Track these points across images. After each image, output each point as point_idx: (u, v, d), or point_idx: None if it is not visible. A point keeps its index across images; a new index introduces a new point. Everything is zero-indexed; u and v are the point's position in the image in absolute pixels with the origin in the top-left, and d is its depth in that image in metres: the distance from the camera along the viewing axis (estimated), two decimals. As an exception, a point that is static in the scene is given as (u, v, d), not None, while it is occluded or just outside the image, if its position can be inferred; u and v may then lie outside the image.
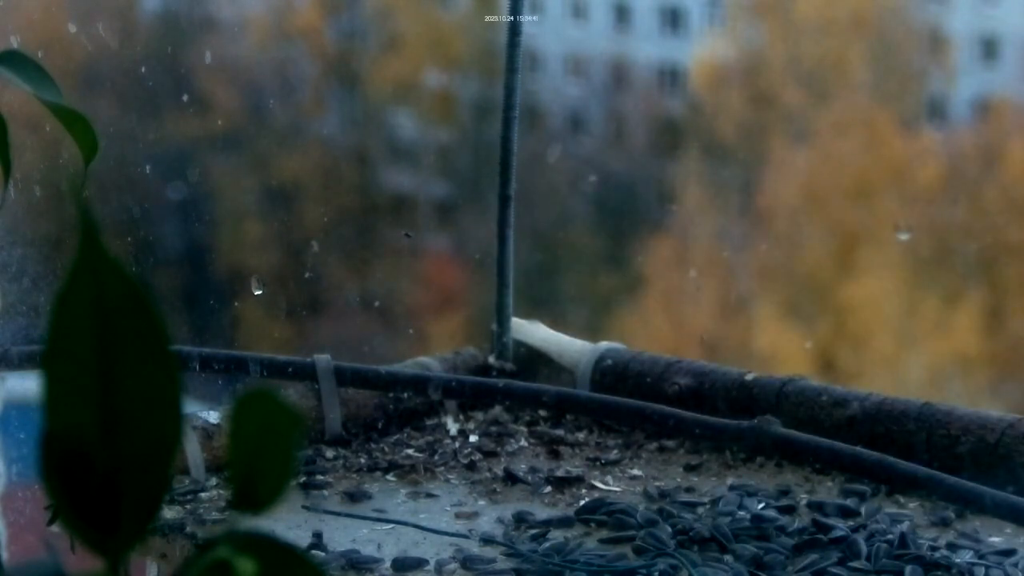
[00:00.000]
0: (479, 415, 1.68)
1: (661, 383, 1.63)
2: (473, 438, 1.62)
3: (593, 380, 1.68)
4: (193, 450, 1.49)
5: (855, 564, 1.31)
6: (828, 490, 1.48)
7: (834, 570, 1.30)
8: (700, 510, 1.42)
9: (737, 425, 1.44)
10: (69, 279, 0.51)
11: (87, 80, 2.13)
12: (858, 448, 1.39)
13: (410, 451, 1.59)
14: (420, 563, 1.32)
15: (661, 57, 4.74)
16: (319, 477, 1.51)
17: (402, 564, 1.31)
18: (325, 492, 1.48)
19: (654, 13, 4.69)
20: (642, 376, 1.66)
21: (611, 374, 1.68)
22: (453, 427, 1.65)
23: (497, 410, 1.68)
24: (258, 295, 1.60)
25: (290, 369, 1.60)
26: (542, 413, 1.67)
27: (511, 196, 1.74)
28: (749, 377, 1.60)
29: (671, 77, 4.85)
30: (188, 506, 1.43)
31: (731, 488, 1.48)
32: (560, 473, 1.52)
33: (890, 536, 1.34)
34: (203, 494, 1.46)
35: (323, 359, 1.59)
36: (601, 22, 4.75)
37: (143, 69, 2.29)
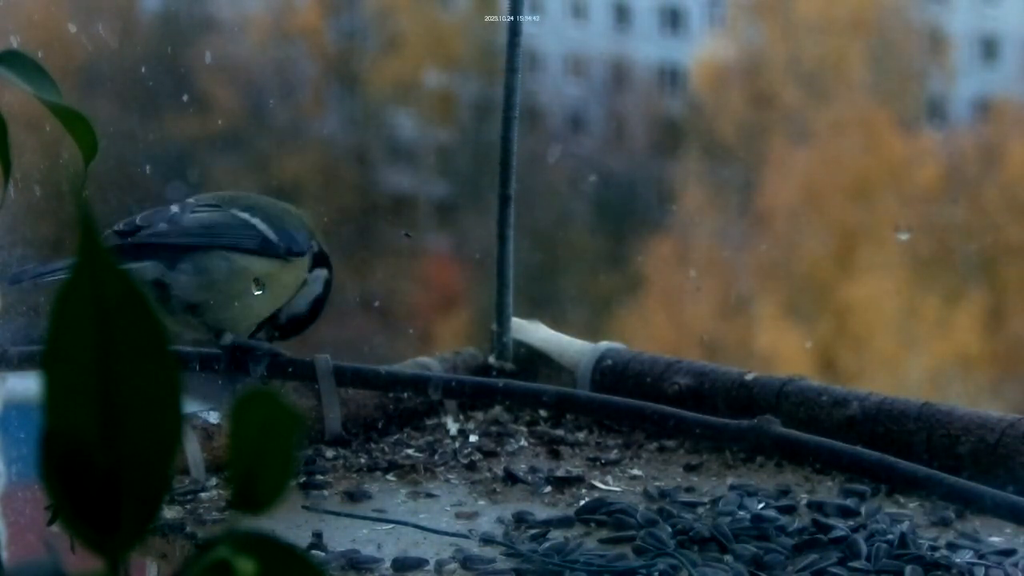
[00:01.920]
0: (479, 415, 1.68)
1: (661, 383, 1.63)
2: (473, 438, 1.62)
3: (593, 380, 1.68)
4: (193, 450, 1.49)
5: (855, 564, 1.31)
6: (828, 490, 1.49)
7: (834, 570, 1.30)
8: (700, 510, 1.43)
9: (737, 425, 1.44)
10: (69, 279, 0.51)
11: (87, 80, 2.12)
12: (858, 448, 1.39)
13: (410, 451, 1.59)
14: (420, 563, 1.32)
15: (661, 57, 4.74)
16: (319, 477, 1.51)
17: (402, 564, 1.31)
18: (325, 492, 1.48)
19: (654, 13, 4.69)
20: (642, 376, 1.66)
21: (611, 374, 1.68)
22: (453, 427, 1.65)
23: (497, 410, 1.68)
24: (258, 295, 1.59)
25: (290, 369, 1.60)
26: (542, 413, 1.67)
27: (511, 196, 1.74)
28: (749, 377, 1.60)
29: (671, 77, 4.84)
30: (188, 506, 1.43)
31: (731, 488, 1.48)
32: (560, 473, 1.52)
33: (890, 536, 1.34)
34: (203, 494, 1.46)
35: (323, 359, 1.59)
36: (601, 22, 4.75)
37: (143, 69, 2.29)
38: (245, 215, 1.57)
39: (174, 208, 1.56)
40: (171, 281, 1.51)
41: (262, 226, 1.57)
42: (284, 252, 1.58)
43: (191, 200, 1.58)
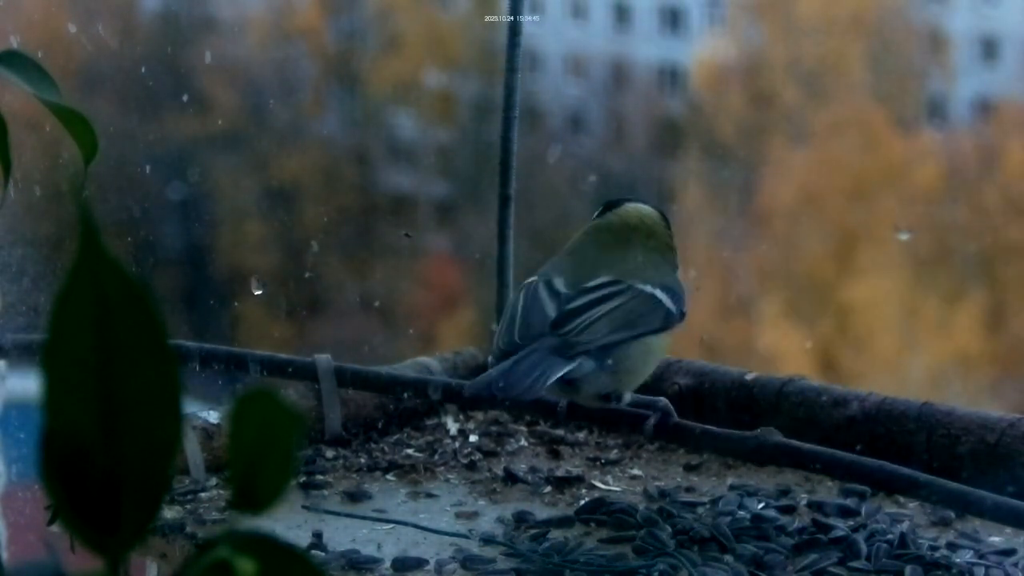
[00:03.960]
0: (479, 415, 1.68)
1: (661, 383, 1.63)
2: (473, 438, 1.62)
3: (593, 380, 1.68)
4: (193, 450, 1.49)
5: (855, 564, 1.31)
6: (828, 490, 1.49)
7: (834, 570, 1.30)
8: (700, 510, 1.43)
9: (741, 435, 1.42)
10: (69, 279, 0.51)
11: (87, 80, 2.13)
12: (861, 457, 1.39)
13: (410, 451, 1.59)
14: (420, 563, 1.32)
15: (661, 57, 4.74)
16: (319, 477, 1.51)
17: (402, 564, 1.31)
18: (325, 492, 1.48)
19: (654, 13, 4.69)
20: (642, 376, 1.65)
21: (611, 374, 1.68)
22: (453, 427, 1.65)
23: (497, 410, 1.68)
24: (258, 295, 1.59)
25: (290, 369, 1.60)
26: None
27: (511, 196, 1.74)
28: (749, 377, 1.60)
29: (671, 77, 4.84)
30: (188, 506, 1.43)
31: (731, 488, 1.48)
32: (560, 473, 1.52)
33: (890, 536, 1.34)
34: (203, 494, 1.46)
35: (323, 359, 1.59)
36: (601, 22, 4.75)
37: (143, 69, 2.29)
38: (648, 289, 1.45)
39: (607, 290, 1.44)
40: (590, 378, 1.40)
41: (663, 297, 1.45)
42: (678, 319, 1.46)
43: (589, 282, 1.44)
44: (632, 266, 1.47)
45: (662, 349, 1.47)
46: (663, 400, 1.46)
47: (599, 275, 1.45)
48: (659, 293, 1.45)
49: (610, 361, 1.40)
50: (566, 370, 1.36)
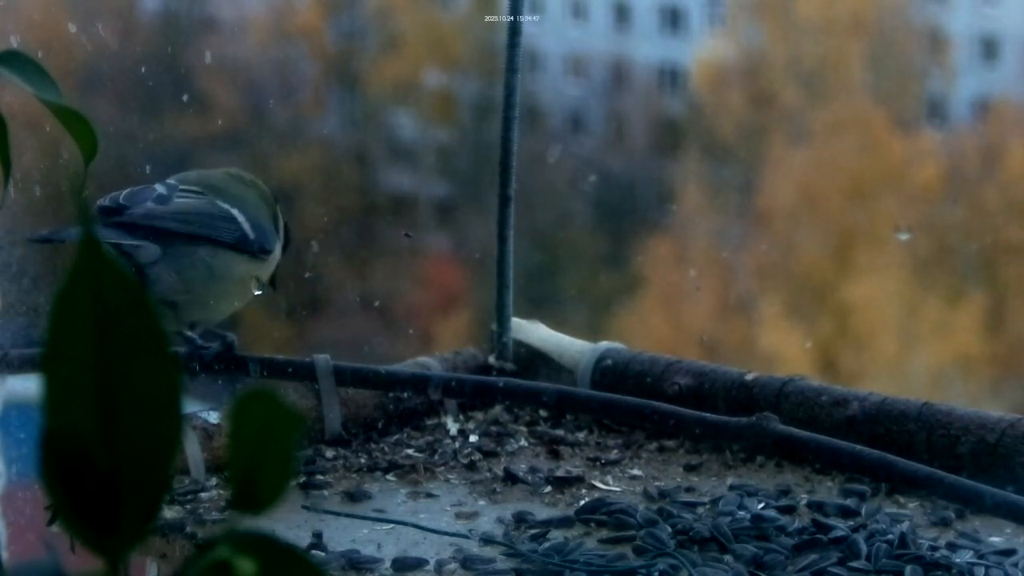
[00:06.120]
0: (479, 415, 1.68)
1: (661, 383, 1.63)
2: (473, 438, 1.62)
3: (593, 380, 1.68)
4: (193, 450, 1.49)
5: (855, 564, 1.31)
6: (828, 490, 1.49)
7: (834, 570, 1.30)
8: (700, 510, 1.43)
9: (737, 422, 1.44)
10: (69, 279, 0.51)
11: (87, 80, 2.13)
12: (857, 446, 1.39)
13: (410, 451, 1.59)
14: (420, 563, 1.32)
15: (661, 57, 4.74)
16: (319, 477, 1.51)
17: (402, 564, 1.31)
18: (325, 492, 1.48)
19: (654, 13, 4.69)
20: (642, 376, 1.66)
21: (611, 374, 1.68)
22: (453, 427, 1.65)
23: (497, 410, 1.68)
24: (258, 295, 1.59)
25: (290, 369, 1.60)
26: (542, 413, 1.67)
27: (511, 196, 1.74)
28: (749, 377, 1.60)
29: (671, 77, 4.84)
30: (188, 506, 1.43)
31: (731, 488, 1.48)
32: (560, 473, 1.52)
33: (890, 536, 1.34)
34: (203, 494, 1.46)
35: (323, 359, 1.59)
36: (601, 22, 4.75)
37: (143, 69, 2.29)
38: (227, 206, 1.56)
39: (159, 188, 1.55)
40: (154, 277, 1.49)
41: (241, 218, 1.56)
42: (257, 250, 1.57)
43: (173, 181, 1.57)
44: (229, 191, 1.57)
45: (239, 279, 1.55)
46: (231, 335, 1.55)
47: (191, 186, 1.56)
48: (237, 213, 1.55)
49: (177, 259, 1.49)
50: (123, 241, 1.45)
